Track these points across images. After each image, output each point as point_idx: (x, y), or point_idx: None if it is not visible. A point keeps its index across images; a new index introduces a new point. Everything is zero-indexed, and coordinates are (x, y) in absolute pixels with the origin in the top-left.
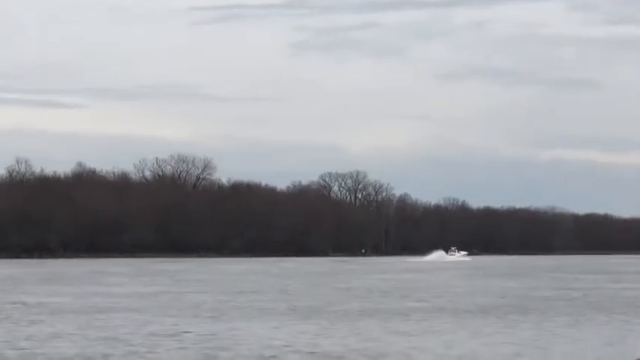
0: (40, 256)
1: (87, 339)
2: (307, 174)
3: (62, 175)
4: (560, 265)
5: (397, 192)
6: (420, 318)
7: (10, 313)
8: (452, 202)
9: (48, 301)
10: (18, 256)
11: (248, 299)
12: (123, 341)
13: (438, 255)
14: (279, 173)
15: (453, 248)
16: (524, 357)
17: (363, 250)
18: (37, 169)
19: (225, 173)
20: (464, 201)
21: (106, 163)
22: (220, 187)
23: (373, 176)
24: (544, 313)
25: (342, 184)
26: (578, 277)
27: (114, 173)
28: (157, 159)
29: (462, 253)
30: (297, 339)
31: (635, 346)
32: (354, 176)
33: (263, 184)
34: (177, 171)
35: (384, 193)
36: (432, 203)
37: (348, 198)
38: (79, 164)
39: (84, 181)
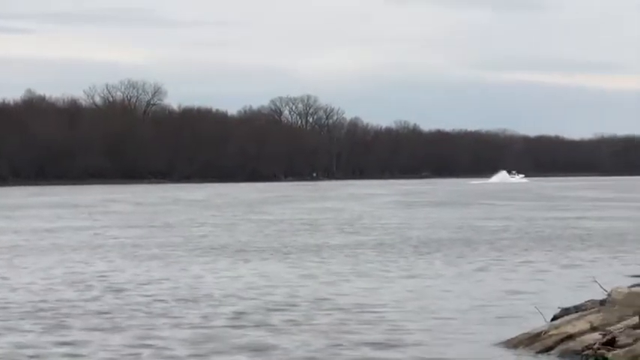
0: None
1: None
2: (258, 98)
3: (12, 102)
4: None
5: (348, 116)
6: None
7: None
8: (403, 125)
9: None
10: None
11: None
12: (41, 292)
13: (501, 176)
14: (230, 97)
15: (514, 171)
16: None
17: (314, 174)
18: None
19: (176, 98)
20: (415, 124)
21: (56, 89)
22: (171, 113)
23: (324, 100)
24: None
25: (293, 109)
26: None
27: (64, 100)
28: (107, 85)
29: (520, 175)
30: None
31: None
32: (305, 100)
33: (214, 109)
34: (127, 97)
35: (335, 117)
36: (383, 127)
37: (299, 122)
38: (29, 91)
39: (34, 108)
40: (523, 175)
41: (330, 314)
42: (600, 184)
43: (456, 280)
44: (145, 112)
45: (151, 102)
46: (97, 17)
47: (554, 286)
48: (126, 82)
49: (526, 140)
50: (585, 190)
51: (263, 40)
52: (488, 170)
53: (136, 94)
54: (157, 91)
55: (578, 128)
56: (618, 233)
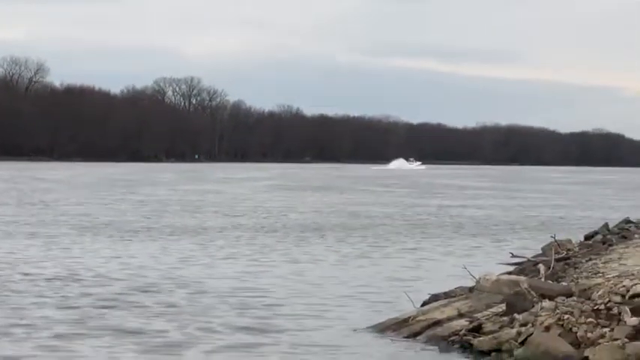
0: None
1: None
2: (142, 78)
3: None
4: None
5: (232, 98)
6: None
7: None
8: (286, 109)
9: None
10: None
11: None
12: None
13: (399, 163)
14: (114, 77)
15: (411, 158)
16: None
17: (196, 156)
18: None
19: (59, 76)
20: (298, 108)
21: None
22: (53, 91)
23: (208, 82)
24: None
25: (177, 90)
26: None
27: None
28: None
29: (418, 162)
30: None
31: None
32: (189, 81)
33: (97, 87)
34: (9, 73)
35: (218, 99)
36: (267, 110)
37: (183, 103)
38: None
39: None
40: (420, 162)
41: (204, 297)
42: (484, 172)
43: (335, 265)
44: (27, 88)
45: (33, 79)
46: None
47: (430, 272)
48: (8, 59)
49: (409, 127)
50: (469, 178)
51: (148, 19)
52: (370, 156)
53: (18, 70)
54: (40, 69)
55: (461, 116)
56: (496, 222)
